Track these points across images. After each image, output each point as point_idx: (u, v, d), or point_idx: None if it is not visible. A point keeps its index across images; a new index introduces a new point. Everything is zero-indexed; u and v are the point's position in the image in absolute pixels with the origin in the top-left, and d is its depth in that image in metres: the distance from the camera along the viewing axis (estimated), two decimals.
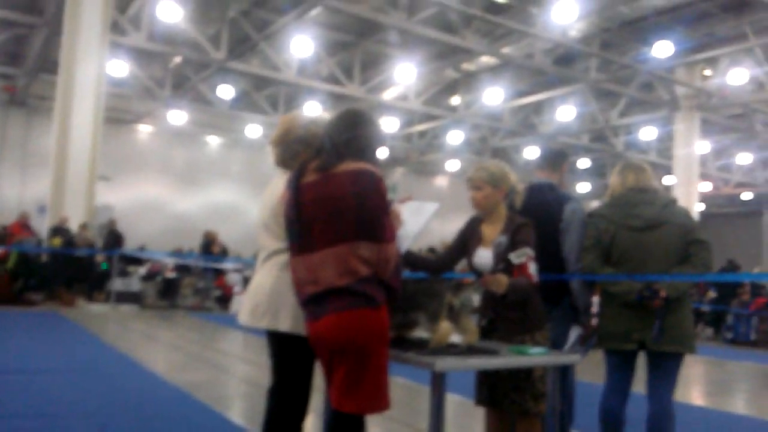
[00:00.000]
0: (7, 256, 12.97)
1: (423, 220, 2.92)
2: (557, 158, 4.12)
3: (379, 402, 2.48)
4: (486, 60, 18.53)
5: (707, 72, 19.14)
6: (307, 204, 2.54)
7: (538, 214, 3.48)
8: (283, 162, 3.00)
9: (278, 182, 2.94)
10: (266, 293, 2.85)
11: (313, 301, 2.50)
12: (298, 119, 3.02)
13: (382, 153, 2.73)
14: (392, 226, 2.51)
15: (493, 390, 3.27)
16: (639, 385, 3.72)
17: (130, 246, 17.36)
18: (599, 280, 3.73)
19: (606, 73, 17.76)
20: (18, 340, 8.39)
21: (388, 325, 2.51)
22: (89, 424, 4.48)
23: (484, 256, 3.28)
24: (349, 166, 2.51)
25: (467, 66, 19.40)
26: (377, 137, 2.70)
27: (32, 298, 13.07)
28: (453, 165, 28.41)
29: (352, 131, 2.63)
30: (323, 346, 2.50)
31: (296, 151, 2.94)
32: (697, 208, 21.30)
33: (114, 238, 14.93)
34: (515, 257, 3.13)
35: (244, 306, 2.98)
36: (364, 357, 2.42)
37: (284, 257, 2.78)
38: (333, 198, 2.47)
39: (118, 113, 20.87)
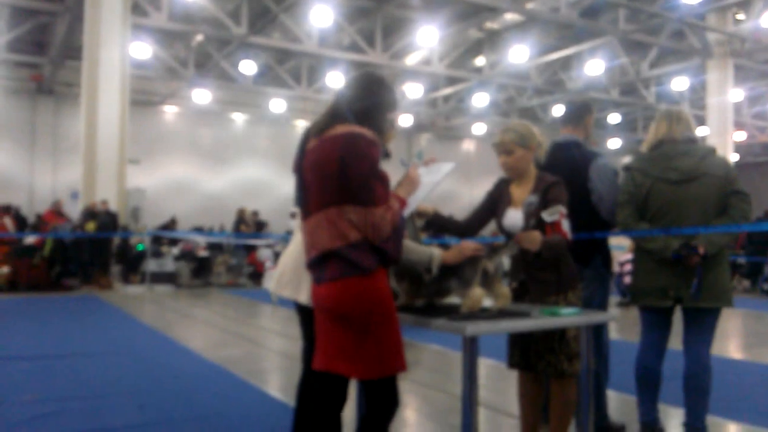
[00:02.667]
0: (43, 243, 13.22)
1: (436, 179, 2.86)
2: (580, 112, 4.01)
3: (383, 366, 2.46)
4: (510, 17, 18.12)
5: (740, 16, 18.47)
6: (306, 169, 2.54)
7: (564, 173, 3.38)
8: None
9: None
10: (292, 263, 2.91)
11: (314, 266, 2.53)
12: None
13: (392, 118, 2.67)
14: (383, 192, 2.45)
15: (526, 352, 3.24)
16: (674, 340, 3.64)
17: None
18: (634, 236, 3.64)
19: (635, 23, 17.23)
20: (58, 324, 8.58)
21: (386, 289, 2.48)
22: (129, 403, 4.56)
23: (514, 217, 3.22)
24: (340, 129, 2.48)
25: (491, 25, 19.00)
26: (384, 101, 2.64)
27: (70, 284, 13.35)
28: (479, 128, 28.08)
29: (355, 93, 2.60)
30: (320, 311, 2.54)
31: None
32: (732, 159, 20.77)
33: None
34: (548, 215, 3.07)
35: (275, 271, 3.07)
36: (363, 325, 2.42)
37: None
38: (322, 162, 2.46)
39: (144, 95, 21.02)
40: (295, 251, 2.93)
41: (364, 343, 2.43)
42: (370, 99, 2.61)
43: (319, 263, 2.49)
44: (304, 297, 2.82)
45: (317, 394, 2.68)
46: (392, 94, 2.69)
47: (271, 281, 3.03)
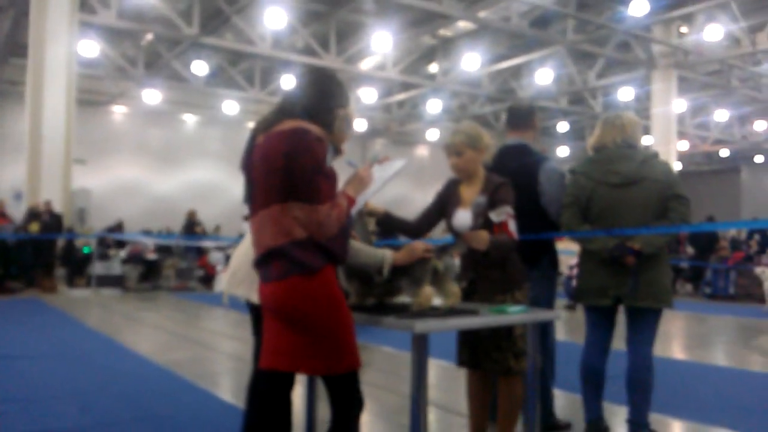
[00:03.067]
0: None
1: (387, 175, 2.87)
2: (526, 116, 4.09)
3: (330, 363, 2.43)
4: (463, 25, 18.36)
5: (683, 29, 19.11)
6: (254, 165, 2.50)
7: (513, 175, 3.45)
8: None
9: None
10: (245, 262, 2.87)
11: (259, 264, 2.49)
12: None
13: (345, 115, 2.63)
14: (329, 189, 2.41)
15: (474, 351, 3.29)
16: (619, 341, 3.75)
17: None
18: (578, 237, 3.73)
19: (583, 34, 17.68)
20: (0, 326, 8.30)
21: (333, 287, 2.44)
22: (71, 405, 4.45)
23: (463, 217, 3.27)
24: (287, 124, 2.46)
25: (444, 32, 19.22)
26: (333, 97, 2.60)
27: (12, 286, 12.92)
28: (433, 134, 28.32)
29: (304, 89, 2.58)
30: (267, 310, 2.51)
31: None
32: (676, 167, 21.41)
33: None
34: (495, 216, 3.13)
35: (226, 273, 3.03)
36: (309, 323, 2.39)
37: None
38: (268, 158, 2.42)
39: (92, 95, 20.55)
40: (247, 250, 2.91)
41: (312, 341, 2.40)
42: (319, 95, 2.57)
43: (264, 262, 2.45)
44: (256, 295, 2.78)
45: (262, 393, 2.66)
46: (342, 90, 2.65)
47: (222, 281, 3.00)
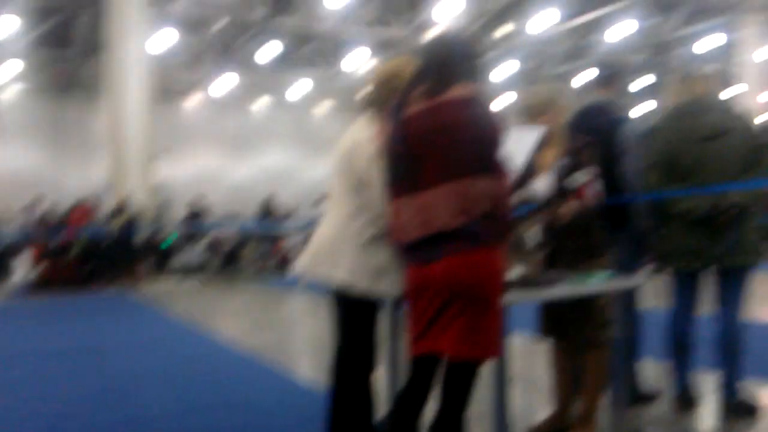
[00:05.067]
0: (72, 242, 13.31)
1: (527, 149, 2.73)
2: (609, 74, 3.98)
3: (496, 347, 2.30)
4: None
5: None
6: (415, 137, 2.28)
7: (595, 136, 3.30)
8: (374, 102, 2.82)
9: (358, 126, 2.85)
10: (328, 241, 2.83)
11: (419, 246, 2.28)
12: (412, 65, 2.74)
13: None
14: (503, 160, 2.26)
15: (558, 321, 3.20)
16: (706, 306, 3.56)
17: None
18: (663, 199, 3.51)
19: None
20: (90, 321, 8.65)
21: (503, 264, 2.31)
22: (163, 393, 4.58)
23: (542, 183, 3.15)
24: (460, 91, 2.26)
25: None
26: (480, 62, 2.45)
27: (100, 281, 13.43)
28: (507, 98, 27.63)
29: (457, 54, 2.36)
30: (435, 291, 2.26)
31: (392, 96, 2.69)
32: (753, 118, 20.08)
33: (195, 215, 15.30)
34: (579, 177, 3.05)
35: (305, 252, 2.96)
36: (485, 299, 2.23)
37: (348, 207, 2.77)
38: (447, 128, 2.22)
39: (169, 84, 21.00)
40: (330, 231, 2.83)
41: (483, 321, 2.23)
42: (470, 59, 2.38)
43: (432, 242, 2.24)
44: (339, 275, 2.74)
45: (414, 378, 2.42)
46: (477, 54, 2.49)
47: (302, 261, 2.92)
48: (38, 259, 13.14)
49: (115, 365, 5.62)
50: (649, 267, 3.82)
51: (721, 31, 20.51)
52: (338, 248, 2.77)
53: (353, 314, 2.80)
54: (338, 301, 2.84)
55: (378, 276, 2.71)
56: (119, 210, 13.30)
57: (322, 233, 2.90)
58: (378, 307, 2.81)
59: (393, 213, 2.40)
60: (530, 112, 3.18)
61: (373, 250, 2.72)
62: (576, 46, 21.67)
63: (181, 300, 11.31)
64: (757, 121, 3.71)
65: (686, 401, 3.54)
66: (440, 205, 2.22)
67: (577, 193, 3.01)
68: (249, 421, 3.86)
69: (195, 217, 15.51)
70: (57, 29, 18.37)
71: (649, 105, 29.18)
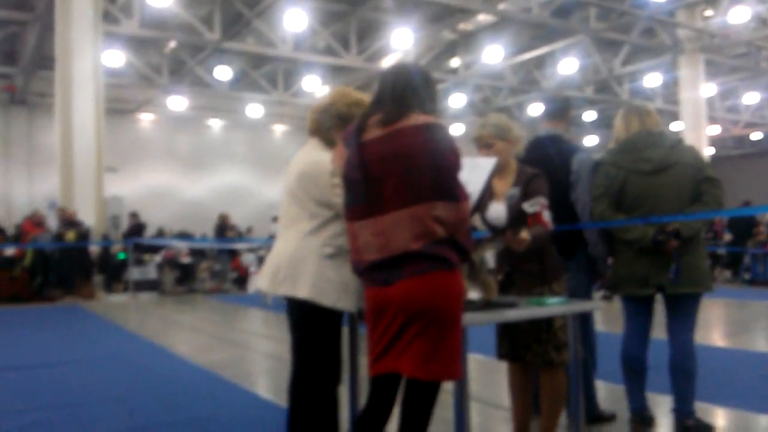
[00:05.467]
0: (24, 254, 13.06)
1: (483, 178, 2.84)
2: (562, 107, 4.10)
3: (456, 368, 2.34)
4: (483, 18, 18.26)
5: (708, 12, 18.80)
6: (373, 162, 2.33)
7: (547, 167, 3.44)
8: (317, 130, 2.99)
9: (307, 149, 2.97)
10: (287, 259, 2.86)
11: (379, 267, 2.32)
12: (346, 96, 2.93)
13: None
14: (462, 185, 2.34)
15: (515, 343, 3.28)
16: (657, 330, 3.72)
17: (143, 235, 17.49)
18: (611, 228, 3.70)
19: (606, 21, 17.47)
20: (41, 334, 8.48)
21: (462, 286, 2.37)
22: (118, 410, 4.53)
23: (497, 210, 3.26)
24: (418, 119, 2.31)
25: (464, 26, 19.13)
26: (437, 90, 2.53)
27: (52, 294, 13.19)
28: (457, 129, 28.18)
29: (414, 82, 2.42)
30: (395, 312, 2.30)
31: (331, 124, 2.92)
32: (707, 152, 21.08)
33: (136, 228, 15.09)
34: (529, 206, 3.13)
35: (263, 271, 3.00)
36: (445, 321, 2.27)
37: (307, 225, 2.82)
38: (405, 155, 2.27)
39: (119, 104, 20.80)
40: (288, 249, 2.88)
41: (443, 342, 2.27)
42: (426, 87, 2.44)
43: (391, 264, 2.29)
44: (302, 292, 2.78)
45: (374, 398, 2.44)
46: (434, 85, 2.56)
47: (262, 281, 2.98)
48: None
49: (67, 380, 5.53)
50: (601, 293, 3.99)
51: (662, 70, 21.42)
52: (299, 265, 2.80)
53: (316, 329, 2.81)
54: (299, 315, 2.86)
55: (341, 291, 2.77)
56: (70, 223, 13.09)
57: (281, 251, 2.92)
58: (341, 320, 2.85)
59: (350, 235, 2.44)
60: (483, 142, 3.27)
61: (335, 266, 2.78)
62: (524, 80, 22.32)
63: (136, 314, 11.15)
64: (702, 154, 3.90)
65: (643, 421, 3.65)
66: (399, 230, 2.26)
67: (535, 217, 3.15)
68: None
69: (136, 231, 15.22)
70: (5, 43, 17.99)
71: (592, 139, 30.18)
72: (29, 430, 4.06)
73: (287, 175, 3.00)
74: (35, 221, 14.25)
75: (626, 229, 3.61)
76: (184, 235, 17.24)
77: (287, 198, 2.97)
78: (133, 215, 15.26)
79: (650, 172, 3.58)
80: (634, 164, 3.62)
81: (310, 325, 2.83)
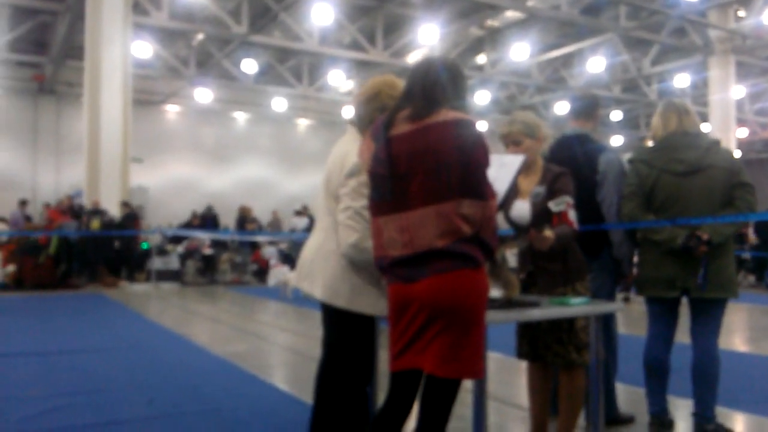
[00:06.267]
0: (49, 241, 13.25)
1: (510, 176, 2.80)
2: (591, 106, 4.03)
3: (478, 367, 2.31)
4: (511, 15, 18.13)
5: (741, 13, 18.48)
6: (401, 157, 2.30)
7: (573, 166, 3.40)
8: (359, 121, 2.87)
9: (345, 139, 2.88)
10: (310, 256, 2.87)
11: (403, 264, 2.30)
12: (392, 87, 2.81)
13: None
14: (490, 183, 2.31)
15: (535, 343, 3.25)
16: (681, 334, 3.66)
17: (172, 224, 17.69)
18: (640, 228, 3.65)
19: (636, 20, 17.24)
20: (64, 322, 8.60)
21: (487, 284, 2.34)
22: (138, 397, 4.57)
23: (521, 208, 3.23)
24: (448, 115, 2.28)
25: (492, 22, 19.00)
26: (467, 86, 2.48)
27: (76, 282, 13.38)
28: (482, 126, 28.07)
29: (444, 77, 2.38)
30: (418, 309, 2.27)
31: (375, 116, 2.77)
32: (735, 155, 20.73)
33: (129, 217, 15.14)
34: (554, 205, 3.10)
35: (298, 263, 3.01)
36: (469, 320, 2.25)
37: (329, 219, 2.79)
38: (434, 151, 2.24)
39: (146, 95, 21.00)
40: (313, 245, 2.87)
41: (465, 341, 2.25)
42: (457, 83, 2.41)
43: (416, 261, 2.27)
44: (317, 292, 2.77)
45: (393, 394, 2.41)
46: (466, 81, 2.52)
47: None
48: (8, 258, 13.05)
49: (88, 367, 5.58)
50: (624, 294, 3.94)
51: (691, 71, 21.12)
52: (317, 263, 2.79)
53: (347, 327, 2.78)
54: (330, 312, 2.83)
55: (355, 294, 2.72)
56: (95, 212, 13.27)
57: (309, 245, 2.92)
58: (374, 319, 2.79)
59: (374, 231, 2.41)
60: (511, 139, 3.24)
61: (352, 266, 2.71)
62: (550, 78, 22.14)
63: (157, 303, 11.27)
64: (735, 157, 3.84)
65: (662, 425, 3.61)
66: (425, 226, 2.24)
67: (561, 217, 3.11)
68: (224, 428, 3.88)
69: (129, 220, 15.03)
70: (35, 32, 18.25)
71: (618, 139, 29.86)
72: (49, 415, 4.11)
73: (327, 166, 2.90)
74: (61, 209, 14.47)
75: (655, 230, 3.56)
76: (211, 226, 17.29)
77: (321, 189, 2.91)
78: (125, 204, 15.34)
79: (682, 173, 3.53)
80: (668, 164, 3.56)
81: (341, 323, 2.79)
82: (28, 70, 20.26)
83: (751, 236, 16.37)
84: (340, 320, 2.78)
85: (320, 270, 2.77)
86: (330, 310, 2.80)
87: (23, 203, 16.79)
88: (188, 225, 16.65)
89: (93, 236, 13.15)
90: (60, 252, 13.29)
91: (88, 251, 13.45)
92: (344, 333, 2.80)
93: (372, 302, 2.74)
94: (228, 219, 19.18)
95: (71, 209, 14.20)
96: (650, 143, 3.77)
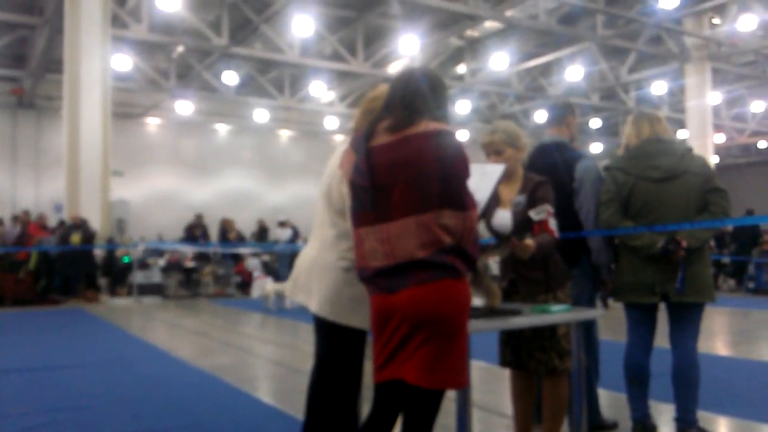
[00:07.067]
0: (28, 257, 13.11)
1: (491, 185, 2.81)
2: (563, 112, 4.06)
3: (461, 377, 2.31)
4: (490, 25, 18.29)
5: (716, 20, 18.79)
6: (381, 168, 2.29)
7: (552, 174, 3.45)
8: (354, 132, 2.80)
9: (338, 152, 2.85)
10: (307, 266, 2.85)
11: (384, 274, 2.28)
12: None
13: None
14: (470, 194, 2.32)
15: (518, 351, 3.27)
16: (660, 338, 3.71)
17: (146, 238, 17.56)
18: (617, 235, 3.70)
19: (613, 29, 17.48)
20: (46, 337, 8.52)
21: (469, 294, 2.34)
22: (122, 412, 4.54)
23: (503, 217, 3.25)
24: (428, 126, 2.28)
25: (471, 33, 19.15)
26: (447, 96, 2.48)
27: (56, 297, 13.24)
28: (462, 135, 28.23)
29: (425, 87, 2.38)
30: (400, 320, 2.26)
31: None
32: (712, 160, 21.05)
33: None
34: (535, 214, 3.12)
35: (291, 274, 3.00)
36: (451, 330, 2.24)
37: (328, 232, 2.76)
38: (414, 162, 2.24)
39: (126, 108, 20.88)
40: (309, 256, 2.86)
41: (448, 351, 2.25)
42: (438, 93, 2.40)
43: (397, 271, 2.26)
44: (312, 305, 2.77)
45: (378, 405, 2.40)
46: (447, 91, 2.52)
47: (289, 283, 2.95)
48: None
49: (70, 383, 5.54)
50: (603, 300, 3.98)
51: (668, 78, 21.40)
52: (315, 276, 2.78)
53: (338, 340, 2.77)
54: (321, 324, 2.82)
55: (351, 308, 2.70)
56: (75, 226, 13.15)
57: (304, 256, 2.91)
58: (364, 333, 2.78)
59: (356, 242, 2.40)
60: (493, 148, 3.26)
61: (349, 281, 2.68)
62: (530, 87, 22.33)
63: (139, 318, 11.17)
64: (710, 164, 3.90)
65: (645, 430, 3.63)
66: (406, 237, 2.23)
67: (541, 225, 3.14)
68: None
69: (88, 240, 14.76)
70: (14, 46, 18.11)
71: (597, 146, 30.15)
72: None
73: (324, 176, 2.89)
74: (40, 224, 14.33)
75: (633, 236, 3.61)
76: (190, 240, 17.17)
77: (321, 201, 2.88)
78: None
79: (659, 179, 3.58)
80: (644, 171, 3.61)
81: (333, 336, 2.78)
82: (7, 84, 20.07)
83: (730, 244, 16.59)
84: (333, 333, 2.77)
85: (317, 283, 2.76)
86: (323, 322, 2.79)
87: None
88: (191, 235, 16.40)
89: (73, 251, 13.01)
90: (40, 267, 13.15)
91: (67, 266, 13.28)
92: (337, 346, 2.80)
93: (367, 317, 2.69)
94: (211, 231, 19.08)
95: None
96: (621, 152, 3.82)
